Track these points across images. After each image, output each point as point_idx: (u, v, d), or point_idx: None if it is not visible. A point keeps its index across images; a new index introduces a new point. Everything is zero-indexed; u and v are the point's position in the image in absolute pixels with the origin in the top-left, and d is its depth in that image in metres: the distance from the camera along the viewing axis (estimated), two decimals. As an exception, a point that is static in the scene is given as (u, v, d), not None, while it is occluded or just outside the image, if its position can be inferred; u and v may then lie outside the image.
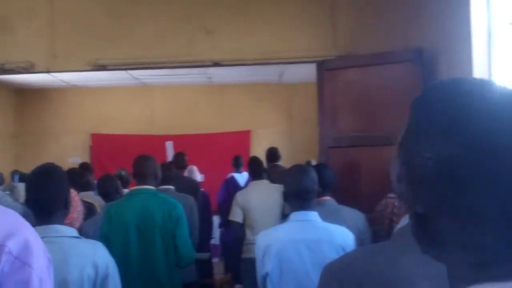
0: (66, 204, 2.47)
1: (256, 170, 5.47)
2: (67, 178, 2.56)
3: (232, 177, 7.58)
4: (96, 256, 2.44)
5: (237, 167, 7.76)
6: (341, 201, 3.93)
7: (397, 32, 5.49)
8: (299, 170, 3.12)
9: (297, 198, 2.97)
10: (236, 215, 5.24)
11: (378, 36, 5.76)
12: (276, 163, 7.10)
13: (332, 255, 2.87)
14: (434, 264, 1.25)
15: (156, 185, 4.09)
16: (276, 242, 2.92)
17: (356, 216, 3.67)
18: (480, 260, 0.69)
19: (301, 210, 2.97)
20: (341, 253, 2.89)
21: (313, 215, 2.98)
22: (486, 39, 3.97)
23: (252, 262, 5.04)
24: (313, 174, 3.04)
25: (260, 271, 3.01)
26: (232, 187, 7.19)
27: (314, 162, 8.95)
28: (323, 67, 5.14)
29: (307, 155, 9.75)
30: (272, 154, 7.14)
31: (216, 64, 5.71)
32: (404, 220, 1.38)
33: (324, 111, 5.16)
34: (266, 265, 2.93)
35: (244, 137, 11.42)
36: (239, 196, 5.30)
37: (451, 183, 0.68)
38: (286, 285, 2.89)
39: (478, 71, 3.95)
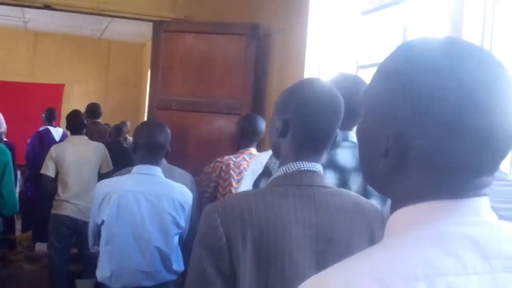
0: None
1: (76, 125, 5.21)
2: None
3: (48, 130, 7.10)
4: None
5: (50, 120, 7.29)
6: (168, 162, 3.97)
7: (236, 4, 5.64)
8: (157, 125, 3.11)
9: (147, 151, 2.96)
10: (48, 169, 4.98)
11: (217, 5, 5.85)
12: (97, 120, 6.91)
13: (170, 210, 2.94)
14: (307, 213, 1.39)
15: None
16: (117, 190, 2.89)
17: (184, 177, 3.74)
18: (444, 176, 0.79)
19: (147, 164, 2.97)
20: (179, 209, 2.97)
21: (158, 171, 3.00)
22: (321, 24, 4.26)
23: (61, 218, 4.92)
24: (168, 131, 3.06)
25: (94, 218, 2.95)
26: (47, 141, 6.80)
27: (129, 123, 8.89)
28: (161, 27, 5.10)
29: (121, 115, 9.63)
30: (93, 110, 6.90)
31: (47, 6, 5.32)
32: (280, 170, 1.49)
33: (156, 71, 5.14)
34: (103, 212, 2.88)
35: (57, 90, 10.84)
36: (54, 150, 5.02)
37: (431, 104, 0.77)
38: (122, 232, 2.88)
39: (311, 53, 4.24)
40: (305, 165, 1.47)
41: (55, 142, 6.55)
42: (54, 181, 5.00)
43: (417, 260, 0.72)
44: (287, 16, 4.67)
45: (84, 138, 5.25)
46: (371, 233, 1.46)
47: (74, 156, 4.96)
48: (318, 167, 1.49)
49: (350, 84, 2.09)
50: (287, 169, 1.48)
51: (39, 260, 6.81)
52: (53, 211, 5.02)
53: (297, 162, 1.47)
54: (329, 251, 1.39)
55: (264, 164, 2.87)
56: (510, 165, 2.82)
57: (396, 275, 0.70)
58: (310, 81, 1.58)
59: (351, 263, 0.76)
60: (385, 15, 3.90)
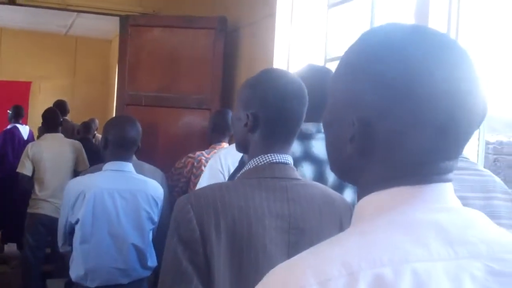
0: None
1: (52, 123, 5.18)
2: None
3: (16, 128, 7.01)
4: None
5: (16, 118, 7.19)
6: (138, 158, 3.94)
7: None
8: (127, 120, 3.08)
9: (118, 147, 2.93)
10: (25, 168, 4.95)
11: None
12: (64, 117, 6.82)
13: (144, 206, 2.92)
14: (280, 205, 1.40)
15: None
16: (91, 188, 2.85)
17: (155, 172, 3.72)
18: (409, 161, 0.80)
19: (119, 160, 2.94)
20: (153, 204, 2.95)
21: (130, 167, 2.98)
22: (289, 16, 4.28)
23: (38, 217, 4.87)
24: (139, 127, 3.03)
25: (66, 217, 2.90)
26: (16, 139, 6.74)
27: (97, 121, 8.79)
28: (128, 22, 5.04)
29: (90, 113, 9.52)
30: (61, 107, 6.80)
31: (12, 2, 5.22)
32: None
33: (124, 67, 5.08)
34: (78, 211, 2.84)
35: (23, 88, 10.66)
36: (31, 148, 5.00)
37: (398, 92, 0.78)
38: (98, 231, 2.85)
39: (279, 46, 4.25)
40: (276, 157, 1.47)
41: (23, 140, 6.50)
42: (31, 179, 4.97)
43: (384, 246, 0.73)
44: (255, 9, 4.66)
45: (60, 135, 5.23)
46: (340, 224, 1.48)
47: (51, 154, 4.95)
48: (289, 159, 1.50)
49: (319, 75, 2.09)
50: (259, 162, 1.48)
51: (9, 261, 6.72)
52: (29, 210, 5.00)
53: (269, 155, 1.47)
54: (300, 242, 1.40)
55: (223, 160, 2.87)
56: (478, 155, 2.87)
57: (363, 261, 0.71)
58: (270, 72, 1.57)
59: (320, 249, 0.77)
60: (352, 7, 3.93)
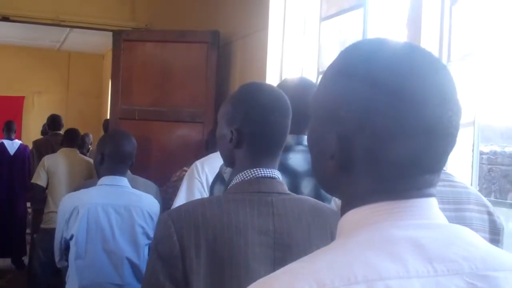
0: None
1: (71, 139, 5.35)
2: None
3: (2, 144, 7.03)
4: None
5: (8, 133, 7.20)
6: (132, 172, 3.94)
7: (197, 12, 5.64)
8: (123, 134, 3.07)
9: (115, 162, 2.91)
10: (40, 179, 4.99)
11: (177, 13, 5.84)
12: (58, 131, 6.81)
13: (140, 221, 2.89)
14: (264, 220, 1.38)
15: None
16: (86, 204, 2.82)
17: (148, 186, 3.71)
18: (389, 176, 0.79)
19: (114, 175, 2.92)
20: (148, 220, 2.93)
21: (125, 181, 2.95)
22: (281, 30, 4.30)
23: (53, 232, 4.86)
24: (134, 141, 3.02)
25: (62, 233, 2.88)
26: (0, 155, 6.77)
27: (91, 135, 8.77)
28: (121, 37, 5.07)
29: (83, 127, 9.49)
30: (55, 121, 6.81)
31: (5, 18, 5.23)
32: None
33: (117, 81, 5.10)
34: (72, 227, 2.81)
35: (16, 103, 10.67)
36: (47, 160, 5.08)
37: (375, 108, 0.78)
38: (93, 246, 2.82)
39: (272, 59, 4.27)
40: (262, 172, 1.45)
41: (9, 156, 6.72)
42: (45, 191, 5.02)
43: (359, 263, 0.72)
44: (247, 22, 4.68)
45: (76, 151, 5.35)
46: (331, 238, 1.43)
47: (66, 168, 5.02)
48: (276, 173, 1.48)
49: (304, 87, 2.09)
50: (244, 176, 1.45)
51: (3, 275, 6.70)
52: (43, 225, 5.01)
53: (255, 169, 1.45)
54: (287, 258, 1.34)
55: (199, 167, 2.86)
56: (472, 166, 2.87)
57: (336, 278, 0.71)
58: (251, 86, 1.56)
59: (295, 266, 0.77)
60: (344, 20, 3.95)
